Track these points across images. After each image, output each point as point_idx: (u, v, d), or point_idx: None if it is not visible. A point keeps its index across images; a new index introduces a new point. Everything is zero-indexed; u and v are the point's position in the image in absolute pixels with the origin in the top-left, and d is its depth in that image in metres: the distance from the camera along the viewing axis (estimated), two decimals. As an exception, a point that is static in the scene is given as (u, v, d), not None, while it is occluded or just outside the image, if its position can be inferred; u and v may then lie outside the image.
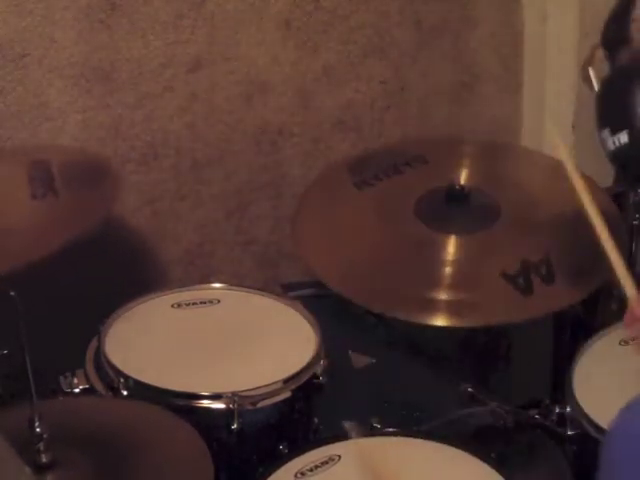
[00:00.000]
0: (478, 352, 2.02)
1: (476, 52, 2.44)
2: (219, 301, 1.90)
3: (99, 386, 1.71)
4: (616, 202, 1.91)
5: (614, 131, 1.20)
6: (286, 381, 1.70)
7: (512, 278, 1.73)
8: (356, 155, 2.13)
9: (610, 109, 1.23)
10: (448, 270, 1.79)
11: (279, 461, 1.59)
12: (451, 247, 1.82)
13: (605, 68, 1.30)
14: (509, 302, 1.72)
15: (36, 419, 1.38)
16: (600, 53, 1.30)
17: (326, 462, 1.59)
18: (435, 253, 1.81)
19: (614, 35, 1.23)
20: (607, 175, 2.22)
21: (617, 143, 1.20)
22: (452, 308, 1.73)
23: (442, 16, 2.38)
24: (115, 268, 2.18)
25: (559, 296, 1.74)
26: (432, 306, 1.72)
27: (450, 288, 1.76)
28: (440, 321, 1.70)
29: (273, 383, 1.68)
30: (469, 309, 1.73)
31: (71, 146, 2.07)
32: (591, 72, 1.31)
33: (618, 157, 1.22)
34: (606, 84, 1.25)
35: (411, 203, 1.89)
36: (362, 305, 1.83)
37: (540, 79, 2.44)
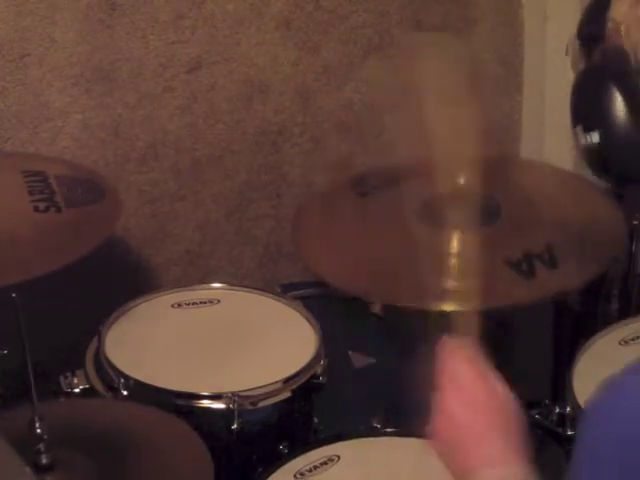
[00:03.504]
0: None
1: (476, 52, 2.44)
2: (219, 301, 1.90)
3: (99, 386, 1.71)
4: (618, 197, 1.91)
5: (587, 129, 1.22)
6: (286, 381, 1.70)
7: (515, 265, 1.73)
8: (358, 172, 2.12)
9: (583, 106, 1.25)
10: (450, 263, 1.79)
11: (279, 461, 1.59)
12: (453, 244, 1.82)
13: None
14: (512, 285, 1.71)
15: (37, 420, 1.38)
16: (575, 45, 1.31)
17: (325, 463, 1.59)
18: (436, 249, 1.81)
19: (589, 31, 1.24)
20: (607, 175, 2.22)
21: (589, 140, 1.22)
22: (455, 294, 1.72)
23: (442, 16, 2.38)
24: (115, 268, 2.18)
25: (562, 279, 1.74)
26: (435, 293, 1.71)
27: (452, 278, 1.76)
28: (445, 306, 1.69)
29: (273, 383, 1.68)
30: (473, 294, 1.72)
31: (66, 159, 2.06)
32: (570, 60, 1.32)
33: (589, 155, 1.23)
34: (579, 80, 1.27)
35: (412, 205, 1.88)
36: (364, 297, 1.82)
37: (540, 79, 2.44)
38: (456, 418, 1.10)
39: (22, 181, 1.78)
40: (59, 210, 1.72)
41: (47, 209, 1.71)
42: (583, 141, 1.23)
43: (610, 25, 1.17)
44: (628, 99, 1.16)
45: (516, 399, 1.13)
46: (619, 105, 1.17)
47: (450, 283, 1.71)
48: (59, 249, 1.64)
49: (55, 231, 1.68)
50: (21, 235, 1.66)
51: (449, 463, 1.12)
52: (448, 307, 1.68)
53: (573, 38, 1.26)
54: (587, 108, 1.23)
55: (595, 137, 1.21)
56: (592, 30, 1.21)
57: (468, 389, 1.12)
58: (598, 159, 1.23)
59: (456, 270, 1.76)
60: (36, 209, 1.71)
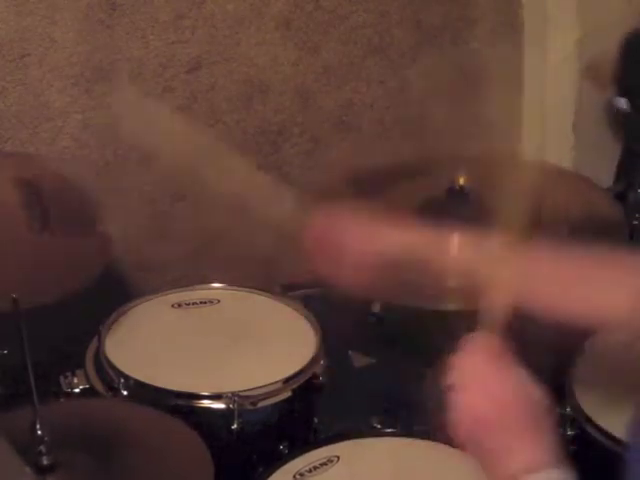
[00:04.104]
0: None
1: (476, 52, 2.44)
2: (219, 301, 1.90)
3: (99, 386, 1.71)
4: (616, 202, 1.91)
5: (618, 93, 1.19)
6: (286, 381, 1.70)
7: None
8: (355, 170, 2.11)
9: (620, 69, 1.20)
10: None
11: (279, 462, 1.60)
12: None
13: None
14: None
15: (37, 422, 1.38)
16: None
17: (325, 463, 1.59)
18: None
19: None
20: (607, 175, 2.22)
21: (620, 105, 1.19)
22: (457, 294, 1.72)
23: (442, 16, 2.38)
24: (115, 268, 2.17)
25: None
26: (438, 292, 1.71)
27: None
28: (450, 306, 1.69)
29: (273, 383, 1.68)
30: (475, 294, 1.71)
31: (60, 174, 2.05)
32: None
33: (618, 118, 1.21)
34: (628, 37, 1.21)
35: (411, 207, 1.88)
36: (368, 296, 1.81)
37: (540, 79, 2.44)
38: (485, 419, 1.02)
39: (14, 190, 1.77)
40: (53, 234, 1.69)
41: (42, 231, 1.69)
42: (615, 104, 1.19)
43: None
44: None
45: (546, 396, 1.05)
46: None
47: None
48: (52, 278, 1.63)
49: (50, 257, 1.67)
50: (16, 257, 1.65)
51: (485, 466, 1.04)
52: (449, 307, 1.67)
53: None
54: (621, 72, 1.18)
55: (624, 103, 1.17)
56: None
57: (494, 387, 1.03)
58: (627, 123, 1.19)
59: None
60: (31, 230, 1.69)
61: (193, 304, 1.89)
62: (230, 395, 1.63)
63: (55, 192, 1.79)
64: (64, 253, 1.67)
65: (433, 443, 1.64)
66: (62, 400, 1.69)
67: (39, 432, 1.38)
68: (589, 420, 1.62)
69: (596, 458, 1.56)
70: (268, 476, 1.57)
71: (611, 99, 1.20)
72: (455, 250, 1.18)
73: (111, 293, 1.94)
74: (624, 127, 1.23)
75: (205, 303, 1.89)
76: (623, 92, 1.18)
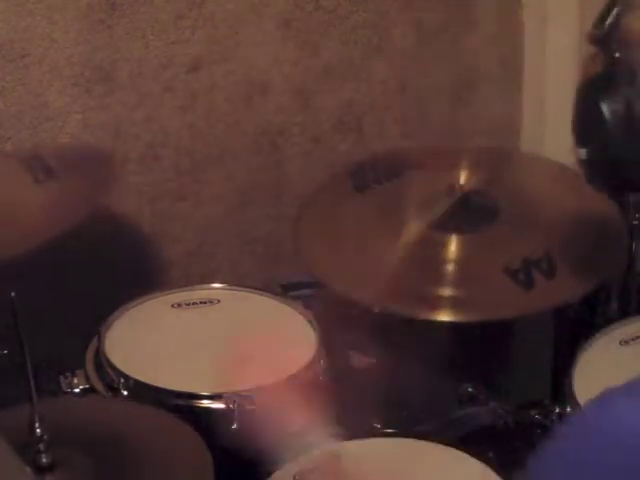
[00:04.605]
0: (478, 352, 2.02)
1: (476, 52, 2.44)
2: (219, 301, 1.90)
3: (99, 386, 1.71)
4: (616, 202, 1.91)
5: (578, 144, 1.21)
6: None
7: (513, 273, 1.73)
8: (357, 161, 2.12)
9: (576, 119, 1.23)
10: (450, 268, 1.79)
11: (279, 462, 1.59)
12: (452, 246, 1.82)
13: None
14: (511, 297, 1.72)
15: (36, 420, 1.38)
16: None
17: (325, 463, 1.59)
18: (436, 252, 1.81)
19: (602, 34, 1.21)
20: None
21: (580, 155, 1.22)
22: (454, 304, 1.73)
23: (442, 16, 2.38)
24: (115, 268, 2.18)
25: (560, 290, 1.74)
26: (434, 302, 1.72)
27: (451, 285, 1.76)
28: (442, 316, 1.70)
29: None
30: (471, 304, 1.73)
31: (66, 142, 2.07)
32: None
33: (582, 167, 1.24)
34: (578, 89, 1.24)
35: (411, 205, 1.89)
36: (363, 304, 1.83)
37: (540, 79, 2.44)
38: None
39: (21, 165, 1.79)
40: (56, 179, 1.71)
41: (45, 180, 1.71)
42: (577, 154, 1.23)
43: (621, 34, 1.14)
44: (614, 117, 1.14)
45: None
46: (606, 124, 1.15)
47: (445, 291, 1.72)
48: (58, 215, 1.65)
49: (54, 199, 1.68)
50: (22, 208, 1.67)
51: None
52: (443, 317, 1.69)
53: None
54: (578, 122, 1.22)
55: (583, 154, 1.20)
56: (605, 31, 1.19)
57: None
58: (588, 173, 1.22)
59: (452, 277, 1.77)
60: (36, 180, 1.72)
61: (193, 304, 1.88)
62: (230, 395, 1.63)
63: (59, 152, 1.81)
64: (64, 194, 1.68)
65: (433, 443, 1.64)
66: (61, 399, 1.69)
67: (38, 431, 1.39)
68: (589, 420, 1.62)
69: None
70: (268, 476, 1.57)
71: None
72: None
73: (111, 293, 1.94)
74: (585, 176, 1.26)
75: (205, 303, 1.89)
76: (582, 142, 1.20)
